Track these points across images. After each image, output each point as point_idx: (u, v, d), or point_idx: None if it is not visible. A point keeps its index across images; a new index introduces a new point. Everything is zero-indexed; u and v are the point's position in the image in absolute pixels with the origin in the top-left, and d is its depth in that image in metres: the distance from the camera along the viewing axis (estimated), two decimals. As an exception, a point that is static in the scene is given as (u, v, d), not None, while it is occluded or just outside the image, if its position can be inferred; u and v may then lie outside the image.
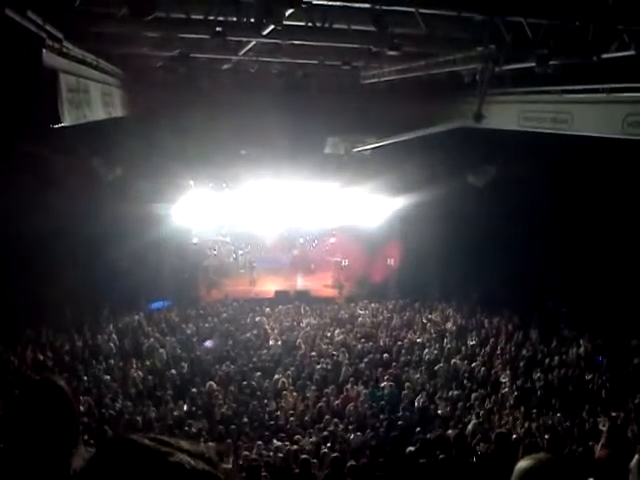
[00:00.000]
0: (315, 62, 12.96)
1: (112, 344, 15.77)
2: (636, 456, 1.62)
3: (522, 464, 2.08)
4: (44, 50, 7.90)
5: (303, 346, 17.07)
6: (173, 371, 14.94)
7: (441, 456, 7.36)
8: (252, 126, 15.58)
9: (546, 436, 11.26)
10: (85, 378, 13.65)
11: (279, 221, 20.47)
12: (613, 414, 12.18)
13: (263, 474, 8.32)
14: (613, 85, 10.24)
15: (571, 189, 16.12)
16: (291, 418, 13.27)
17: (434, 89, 15.00)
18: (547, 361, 15.04)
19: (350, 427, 12.84)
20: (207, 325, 18.14)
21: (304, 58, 12.82)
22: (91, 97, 10.46)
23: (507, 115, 13.31)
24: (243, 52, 11.60)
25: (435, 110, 15.61)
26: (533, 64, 9.54)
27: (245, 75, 14.27)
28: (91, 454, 0.83)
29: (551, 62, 9.35)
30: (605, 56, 8.80)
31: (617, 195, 15.39)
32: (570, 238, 16.52)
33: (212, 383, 14.26)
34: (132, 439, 0.84)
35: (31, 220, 14.03)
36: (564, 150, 13.49)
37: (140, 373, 14.71)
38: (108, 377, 14.02)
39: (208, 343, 17.10)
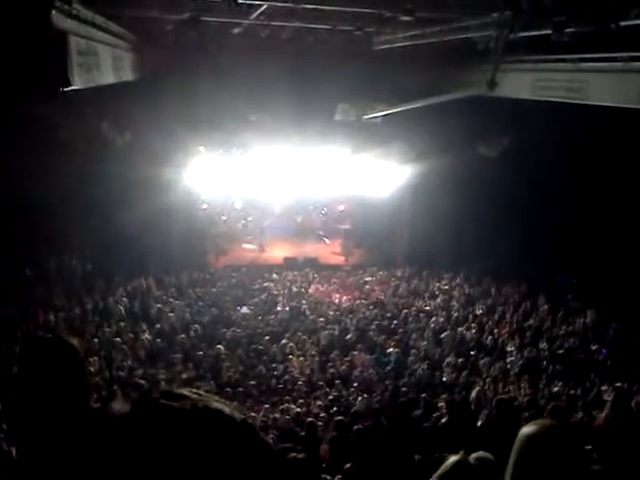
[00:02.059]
0: (327, 27, 12.75)
1: (122, 307, 15.96)
2: None
3: (525, 430, 2.12)
4: (53, 11, 7.80)
5: (310, 312, 17.22)
6: (182, 335, 15.15)
7: (444, 420, 7.47)
8: (262, 92, 15.40)
9: (550, 404, 11.37)
10: (95, 340, 13.86)
11: (288, 188, 20.40)
12: (618, 384, 12.26)
13: (270, 437, 8.48)
14: (632, 54, 10.00)
15: (586, 160, 15.92)
16: (298, 382, 13.47)
17: (447, 56, 14.75)
18: (553, 331, 15.10)
19: (356, 391, 13.02)
20: (215, 290, 18.30)
21: (316, 23, 12.61)
22: (101, 60, 10.37)
23: (521, 84, 13.08)
24: (254, 16, 11.43)
25: (448, 78, 15.37)
26: (549, 31, 9.33)
27: (256, 40, 14.08)
28: (128, 406, 0.82)
29: (568, 29, 9.14)
30: (624, 23, 8.57)
31: (633, 166, 15.18)
32: (584, 209, 16.39)
33: (220, 347, 14.46)
34: (168, 389, 0.85)
35: (40, 184, 14.07)
36: (580, 120, 13.26)
37: (149, 336, 14.92)
38: (118, 339, 14.23)
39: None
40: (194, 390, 0.86)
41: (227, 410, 0.83)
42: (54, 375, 2.49)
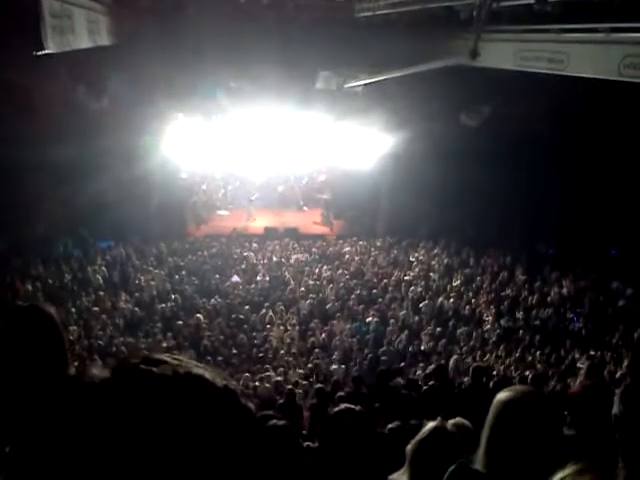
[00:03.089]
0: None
1: (100, 276, 15.84)
2: (621, 387, 1.69)
3: (501, 395, 2.14)
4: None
5: (292, 282, 17.26)
6: (162, 304, 15.11)
7: (423, 388, 7.58)
8: (242, 58, 15.15)
9: (526, 372, 11.61)
10: (73, 310, 13.77)
11: (269, 157, 20.23)
12: (592, 353, 12.54)
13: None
14: (613, 25, 9.97)
15: (568, 131, 15.96)
16: (278, 351, 13.57)
17: (430, 25, 14.60)
18: (530, 301, 15.33)
19: (335, 360, 13.16)
20: (195, 259, 18.23)
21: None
22: (75, 23, 10.09)
23: (503, 54, 12.99)
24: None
25: (430, 47, 15.22)
26: (532, 1, 9.25)
27: (235, 5, 13.80)
28: (107, 372, 0.80)
29: (550, -1, 9.07)
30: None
31: (615, 137, 15.25)
32: (565, 180, 16.47)
33: (199, 316, 14.46)
34: (147, 355, 0.83)
35: (13, 151, 13.74)
36: (564, 90, 13.23)
37: (129, 305, 14.87)
38: (97, 309, 14.16)
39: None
40: (174, 356, 0.84)
41: (208, 376, 0.82)
42: (31, 343, 2.48)
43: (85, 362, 10.58)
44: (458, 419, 3.56)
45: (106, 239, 17.73)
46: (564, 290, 15.41)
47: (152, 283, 16.04)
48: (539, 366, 12.35)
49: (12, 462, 2.54)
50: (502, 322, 14.62)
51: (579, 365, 11.91)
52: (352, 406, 2.88)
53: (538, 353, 12.94)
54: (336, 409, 2.84)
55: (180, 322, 14.28)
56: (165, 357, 0.82)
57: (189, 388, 0.79)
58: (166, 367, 0.80)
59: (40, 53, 8.19)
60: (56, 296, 13.98)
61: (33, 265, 15.18)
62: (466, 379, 8.75)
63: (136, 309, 14.78)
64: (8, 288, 13.75)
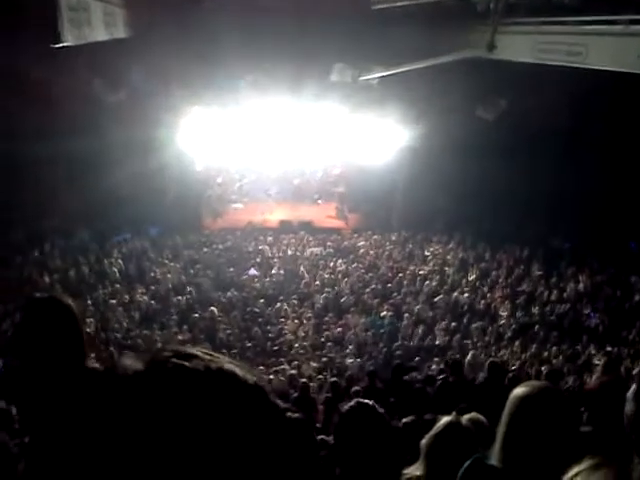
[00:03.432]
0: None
1: (116, 269, 15.97)
2: (634, 385, 1.66)
3: (518, 391, 2.13)
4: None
5: (306, 275, 17.27)
6: (178, 297, 15.20)
7: (438, 382, 7.56)
8: (258, 50, 15.13)
9: (542, 368, 11.53)
10: (90, 302, 13.90)
11: (284, 150, 20.22)
12: (608, 349, 12.42)
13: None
14: (632, 17, 9.82)
15: (586, 124, 15.77)
16: (294, 345, 13.59)
17: (446, 17, 14.48)
18: (546, 296, 15.21)
19: (349, 354, 13.16)
20: (210, 252, 18.30)
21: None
22: (92, 16, 10.15)
23: (520, 46, 12.85)
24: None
25: (447, 39, 15.10)
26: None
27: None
28: (140, 363, 0.80)
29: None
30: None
31: (634, 130, 15.03)
32: (582, 173, 16.29)
33: (214, 309, 14.51)
34: (178, 348, 0.83)
35: (30, 145, 13.87)
36: (582, 82, 13.07)
37: (145, 298, 14.97)
38: (114, 301, 14.27)
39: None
40: (205, 351, 0.84)
41: (240, 372, 0.81)
42: (50, 334, 2.51)
43: (102, 354, 10.68)
44: (473, 414, 3.55)
45: (122, 232, 17.85)
46: (581, 285, 15.27)
47: (168, 276, 16.13)
48: (555, 362, 12.25)
49: (32, 452, 2.58)
50: (518, 317, 14.52)
51: (595, 361, 11.80)
52: (366, 400, 2.88)
53: (554, 349, 12.84)
54: (350, 403, 2.84)
55: (196, 315, 14.36)
56: (197, 351, 0.82)
57: (221, 384, 0.79)
58: (198, 362, 0.79)
59: (58, 46, 8.24)
60: (73, 288, 14.13)
61: (51, 258, 15.34)
62: (481, 374, 8.71)
63: (152, 302, 14.88)
64: (26, 281, 13.92)
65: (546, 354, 12.73)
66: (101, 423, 0.77)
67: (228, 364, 0.82)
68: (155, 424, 0.74)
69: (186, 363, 0.79)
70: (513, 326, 14.19)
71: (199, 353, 0.82)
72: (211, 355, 0.83)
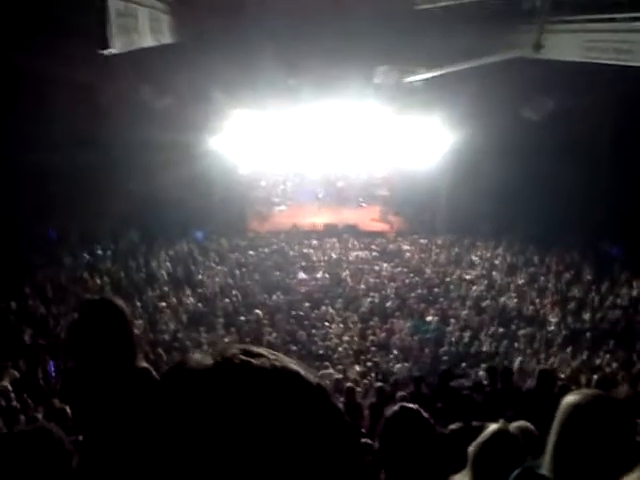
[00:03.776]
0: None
1: (164, 272, 16.26)
2: None
3: (569, 399, 2.05)
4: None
5: (350, 279, 17.22)
6: (225, 300, 15.37)
7: (486, 389, 7.42)
8: (300, 54, 15.20)
9: (594, 376, 11.19)
10: (139, 304, 14.19)
11: (327, 153, 20.24)
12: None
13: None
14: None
15: (634, 124, 15.27)
16: (339, 349, 13.55)
17: (491, 16, 14.25)
18: (597, 302, 14.77)
19: (395, 358, 13.05)
20: (256, 255, 18.44)
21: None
22: (139, 23, 10.34)
23: (567, 45, 12.53)
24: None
25: (492, 39, 14.86)
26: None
27: (294, 2, 13.86)
28: (209, 359, 0.80)
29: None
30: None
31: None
32: (633, 175, 15.79)
33: (258, 312, 14.61)
34: (245, 346, 0.83)
35: (81, 150, 14.26)
36: (629, 81, 12.68)
37: (192, 300, 15.19)
38: (164, 304, 14.53)
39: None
40: (271, 351, 0.84)
41: (303, 373, 0.81)
42: (104, 334, 2.60)
43: (149, 356, 10.87)
44: (522, 422, 3.46)
45: (171, 235, 18.17)
46: (634, 292, 14.75)
47: (216, 280, 16.33)
48: (607, 369, 11.87)
49: (86, 448, 2.63)
50: (568, 323, 14.13)
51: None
52: (411, 405, 2.83)
53: (607, 356, 12.44)
54: (394, 408, 2.80)
55: (242, 318, 14.48)
56: (263, 351, 0.83)
57: (285, 383, 0.78)
58: (264, 360, 0.80)
59: (106, 52, 8.40)
60: (124, 290, 14.46)
61: (101, 259, 15.74)
62: (530, 381, 8.50)
63: (199, 304, 15.09)
64: (78, 282, 14.31)
65: (598, 361, 12.35)
66: (155, 420, 0.77)
67: (292, 364, 0.82)
68: (219, 420, 0.74)
69: (253, 360, 0.79)
70: (563, 332, 13.81)
71: (265, 352, 0.82)
72: (276, 355, 0.83)
